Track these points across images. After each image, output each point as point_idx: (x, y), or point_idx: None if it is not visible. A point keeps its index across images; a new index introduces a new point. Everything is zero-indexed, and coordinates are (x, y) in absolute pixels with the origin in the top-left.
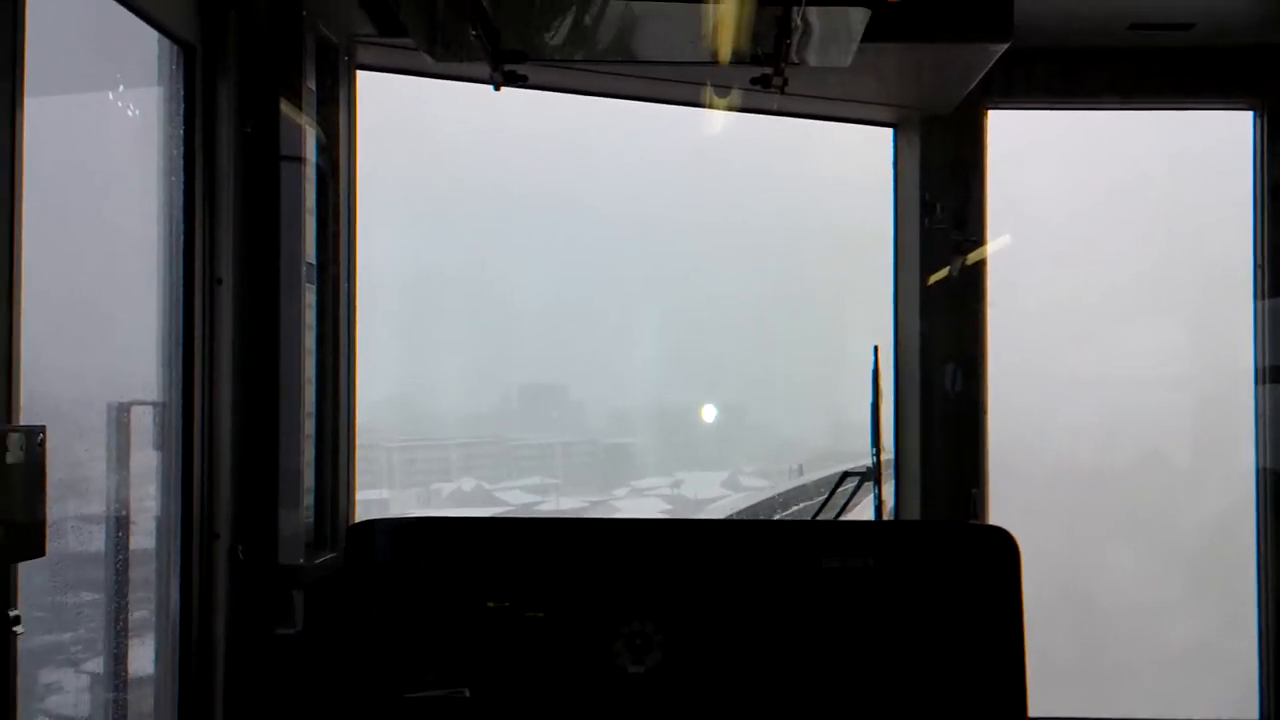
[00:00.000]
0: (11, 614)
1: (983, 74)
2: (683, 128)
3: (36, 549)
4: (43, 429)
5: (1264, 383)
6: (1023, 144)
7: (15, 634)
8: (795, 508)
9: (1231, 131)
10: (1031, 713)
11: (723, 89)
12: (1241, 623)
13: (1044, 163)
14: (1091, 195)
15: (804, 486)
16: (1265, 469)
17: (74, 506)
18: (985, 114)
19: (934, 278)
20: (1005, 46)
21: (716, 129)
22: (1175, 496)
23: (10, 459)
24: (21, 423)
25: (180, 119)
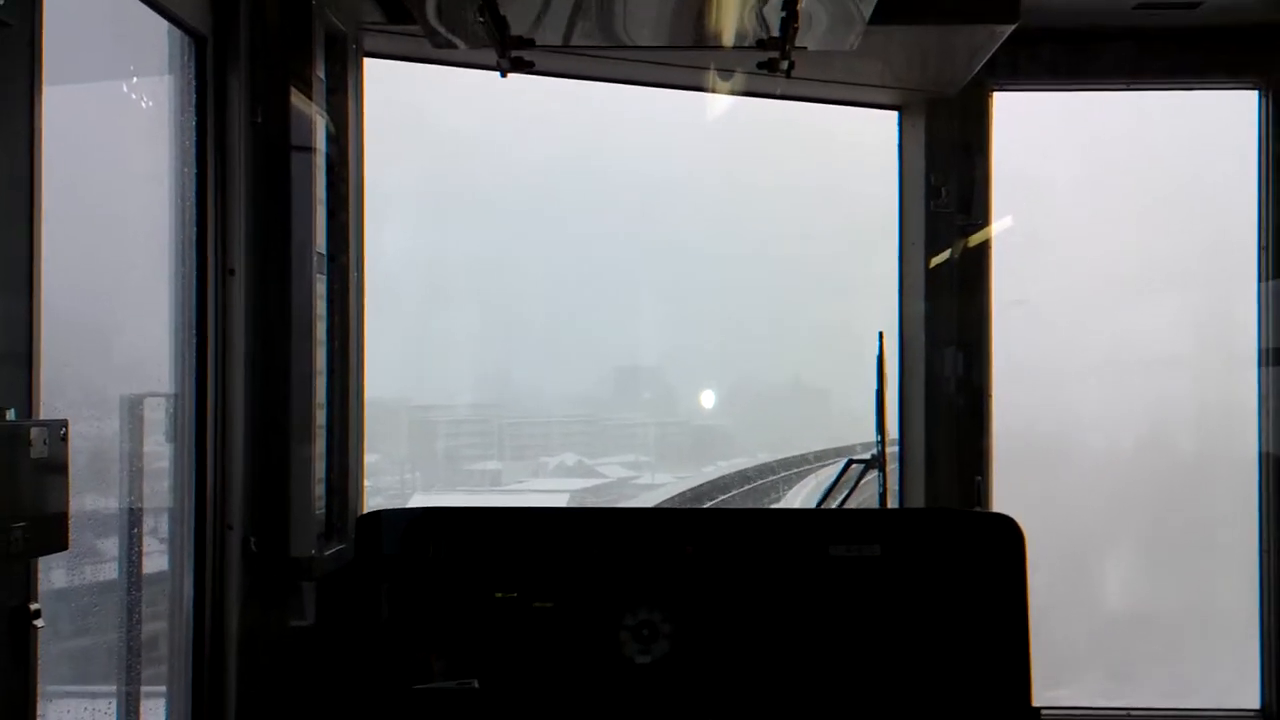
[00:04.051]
0: (32, 607)
1: (988, 56)
2: (690, 112)
3: (59, 543)
4: (65, 423)
5: (1268, 365)
6: (1028, 125)
7: (36, 627)
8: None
9: (1237, 111)
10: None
11: (728, 73)
12: (1245, 612)
13: (1049, 145)
14: (1096, 177)
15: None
16: (1268, 454)
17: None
18: (990, 96)
19: (935, 260)
20: (1012, 28)
21: (722, 113)
22: (1180, 482)
23: (33, 453)
24: (42, 416)
25: (192, 110)
